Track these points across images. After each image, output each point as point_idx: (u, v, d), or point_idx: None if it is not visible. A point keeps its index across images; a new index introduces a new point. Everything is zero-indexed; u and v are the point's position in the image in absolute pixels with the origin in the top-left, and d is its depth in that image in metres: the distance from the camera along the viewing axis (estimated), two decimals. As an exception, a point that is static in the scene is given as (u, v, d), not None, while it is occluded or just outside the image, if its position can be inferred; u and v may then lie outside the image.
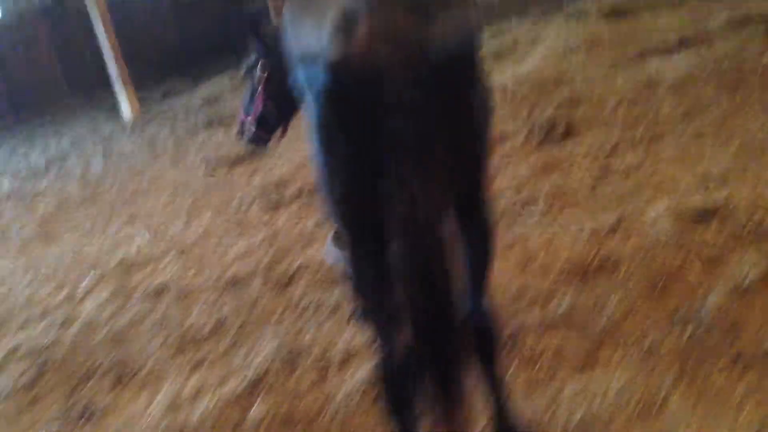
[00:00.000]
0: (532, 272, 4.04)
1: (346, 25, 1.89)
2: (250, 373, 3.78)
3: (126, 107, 11.78)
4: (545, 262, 4.09)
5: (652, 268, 3.75)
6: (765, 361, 2.93)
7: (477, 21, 2.22)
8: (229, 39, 14.52)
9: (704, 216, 4.09)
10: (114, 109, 12.30)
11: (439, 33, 1.94)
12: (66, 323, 4.81)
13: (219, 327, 4.38)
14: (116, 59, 11.41)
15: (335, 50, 1.91)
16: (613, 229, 4.22)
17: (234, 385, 3.73)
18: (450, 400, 2.10)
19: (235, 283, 4.87)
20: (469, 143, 2.17)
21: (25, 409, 4.03)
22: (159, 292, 4.97)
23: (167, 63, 16.90)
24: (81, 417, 3.83)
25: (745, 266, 3.48)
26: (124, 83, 11.61)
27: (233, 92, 11.45)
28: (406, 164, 1.92)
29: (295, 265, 4.86)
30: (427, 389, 2.14)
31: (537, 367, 3.30)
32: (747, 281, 3.40)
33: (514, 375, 3.27)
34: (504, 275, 4.08)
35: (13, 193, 8.66)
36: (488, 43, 10.20)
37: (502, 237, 4.49)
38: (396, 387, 2.33)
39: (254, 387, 3.70)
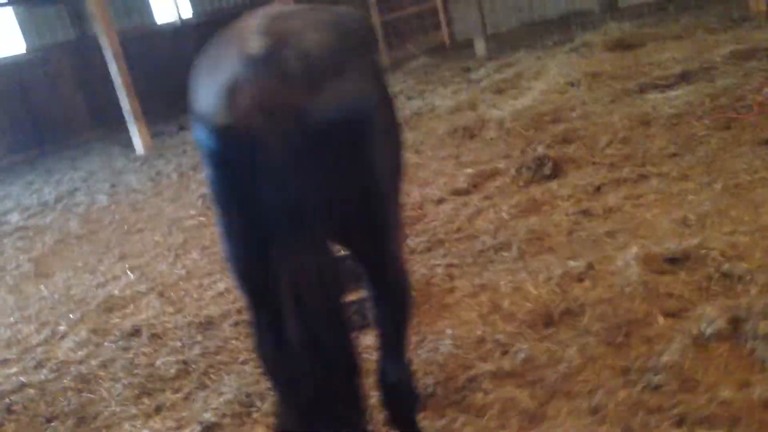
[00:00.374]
0: (495, 320, 3.95)
1: (231, 91, 1.90)
2: (206, 419, 3.74)
3: (138, 142, 11.95)
4: (510, 311, 4.00)
5: (614, 319, 3.63)
6: (711, 424, 2.80)
7: (377, 86, 2.19)
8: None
9: (674, 264, 3.98)
10: (130, 143, 12.49)
11: (325, 101, 1.92)
12: (39, 365, 4.80)
13: (185, 369, 4.35)
14: (129, 95, 11.60)
15: (218, 115, 1.92)
16: (581, 277, 4.11)
17: (187, 432, 3.71)
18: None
19: (208, 325, 4.85)
20: (367, 207, 2.12)
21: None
22: (133, 333, 4.96)
23: (187, 96, 17.17)
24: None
25: (705, 320, 3.35)
26: (137, 118, 11.79)
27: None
28: (284, 232, 1.89)
29: (268, 307, 4.83)
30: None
31: (486, 418, 3.21)
32: (706, 336, 3.28)
33: (461, 427, 3.19)
34: (467, 324, 4.01)
35: (18, 229, 8.80)
36: (491, 77, 10.22)
37: (471, 284, 4.42)
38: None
39: (206, 433, 3.67)
